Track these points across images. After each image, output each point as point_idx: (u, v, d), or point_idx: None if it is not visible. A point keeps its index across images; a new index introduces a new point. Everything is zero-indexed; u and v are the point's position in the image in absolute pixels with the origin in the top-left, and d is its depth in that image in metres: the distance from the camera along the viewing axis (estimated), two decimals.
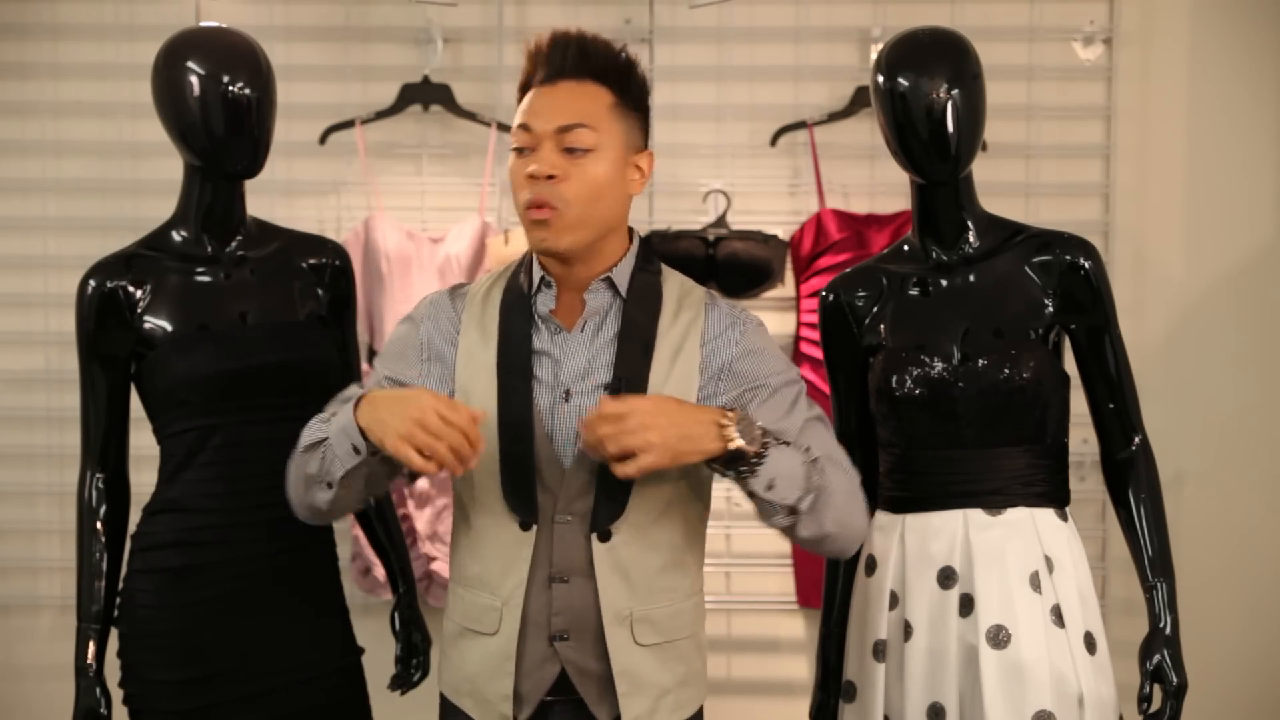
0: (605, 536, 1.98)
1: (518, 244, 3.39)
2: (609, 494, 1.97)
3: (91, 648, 2.41)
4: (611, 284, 2.03)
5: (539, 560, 2.00)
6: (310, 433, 2.01)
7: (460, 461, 1.84)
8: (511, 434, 2.00)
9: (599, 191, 1.97)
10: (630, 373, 1.97)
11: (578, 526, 1.99)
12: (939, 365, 2.33)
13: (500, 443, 2.00)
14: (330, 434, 1.96)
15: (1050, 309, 2.36)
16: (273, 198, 3.52)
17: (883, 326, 2.40)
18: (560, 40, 2.02)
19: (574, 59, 2.00)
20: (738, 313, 2.08)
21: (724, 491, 3.43)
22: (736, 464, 1.89)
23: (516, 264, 2.12)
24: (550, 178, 1.95)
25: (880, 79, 2.34)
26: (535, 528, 2.00)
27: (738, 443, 1.87)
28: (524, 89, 2.05)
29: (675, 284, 2.09)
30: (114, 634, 2.44)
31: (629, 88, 2.02)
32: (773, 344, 2.09)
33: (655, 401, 1.89)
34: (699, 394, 2.00)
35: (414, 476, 2.16)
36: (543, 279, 2.05)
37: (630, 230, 2.10)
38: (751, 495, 1.92)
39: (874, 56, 2.78)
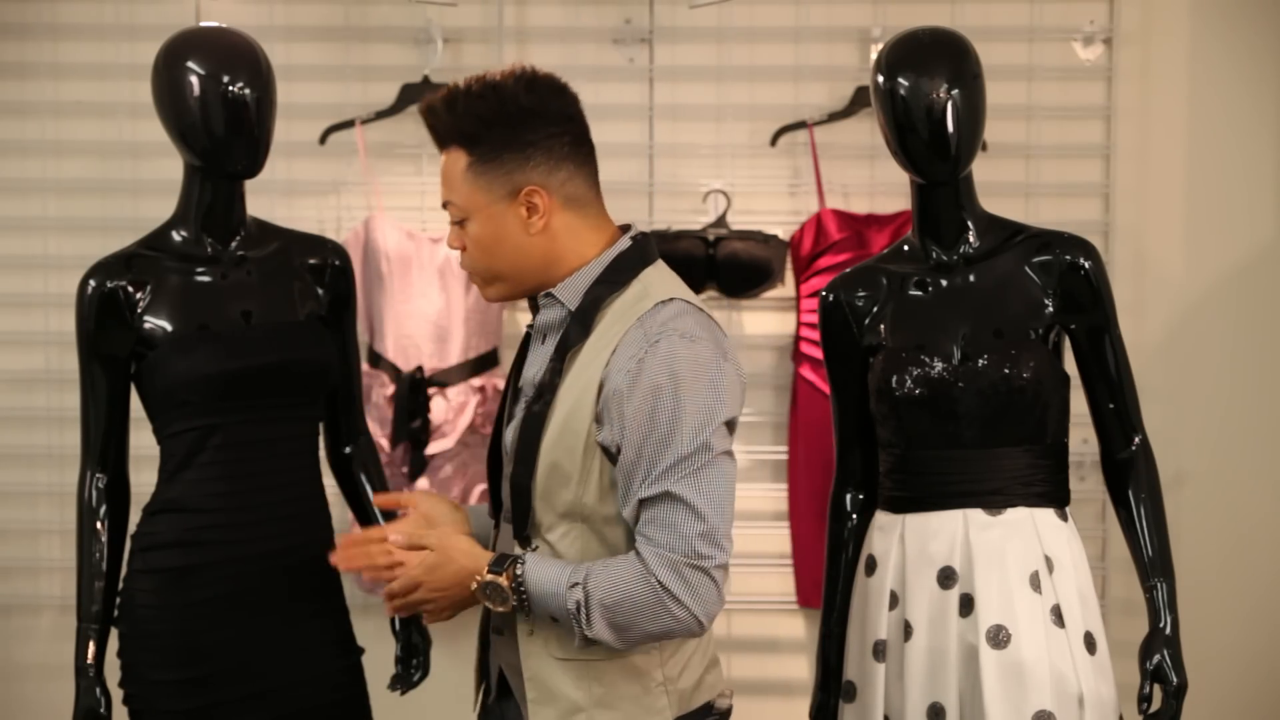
0: (525, 542, 1.99)
1: None
2: (516, 502, 1.98)
3: (91, 648, 2.41)
4: (556, 299, 2.00)
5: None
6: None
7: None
8: (493, 435, 2.11)
9: (488, 250, 1.99)
10: (545, 386, 1.97)
11: (512, 528, 2.02)
12: (939, 365, 2.33)
13: None
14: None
15: (1050, 309, 2.36)
16: (273, 198, 3.52)
17: (883, 326, 2.40)
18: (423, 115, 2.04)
19: (432, 133, 2.02)
20: (659, 337, 1.90)
21: None
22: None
23: None
24: (455, 248, 2.05)
25: (880, 79, 2.34)
26: (497, 523, 2.08)
27: (484, 603, 1.97)
28: None
29: (631, 296, 1.97)
30: (114, 634, 2.45)
31: (480, 137, 1.95)
32: (688, 381, 1.88)
33: (430, 562, 1.98)
34: (594, 411, 1.92)
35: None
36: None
37: (616, 240, 2.02)
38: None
39: (874, 56, 2.78)
